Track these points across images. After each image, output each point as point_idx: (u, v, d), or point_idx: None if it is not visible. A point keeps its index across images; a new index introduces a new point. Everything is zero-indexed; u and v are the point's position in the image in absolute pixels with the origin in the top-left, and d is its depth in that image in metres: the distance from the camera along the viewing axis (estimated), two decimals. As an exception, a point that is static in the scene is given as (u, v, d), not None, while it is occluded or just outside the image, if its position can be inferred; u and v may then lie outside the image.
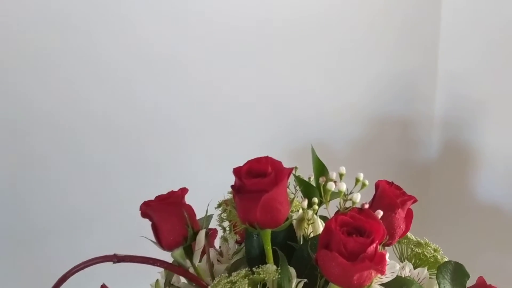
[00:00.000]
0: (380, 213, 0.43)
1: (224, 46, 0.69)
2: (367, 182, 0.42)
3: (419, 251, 0.54)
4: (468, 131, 0.76)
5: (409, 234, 0.56)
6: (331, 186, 0.41)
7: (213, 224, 0.53)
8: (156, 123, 0.67)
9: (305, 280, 0.42)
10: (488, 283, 0.73)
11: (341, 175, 0.43)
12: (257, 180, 0.40)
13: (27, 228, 0.67)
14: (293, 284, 0.40)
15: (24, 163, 0.65)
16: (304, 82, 0.72)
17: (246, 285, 0.38)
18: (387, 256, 0.42)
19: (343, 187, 0.41)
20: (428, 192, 0.80)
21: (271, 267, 0.40)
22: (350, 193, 0.43)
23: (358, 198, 0.40)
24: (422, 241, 0.55)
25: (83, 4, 0.62)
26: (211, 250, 0.50)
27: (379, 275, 0.43)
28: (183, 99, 0.67)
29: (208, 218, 0.48)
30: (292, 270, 0.42)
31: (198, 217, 0.48)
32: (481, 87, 0.75)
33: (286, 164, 0.40)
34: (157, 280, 0.51)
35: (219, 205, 0.49)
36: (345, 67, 0.72)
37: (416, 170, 0.80)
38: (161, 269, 0.52)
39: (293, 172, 0.48)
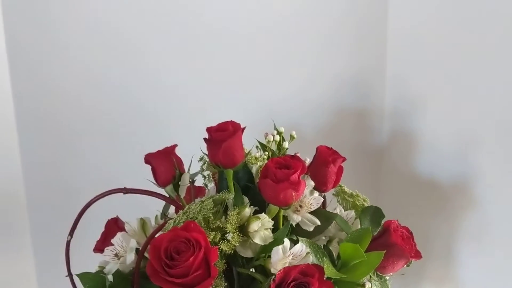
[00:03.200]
0: (307, 160, 0.60)
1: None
2: (295, 135, 0.60)
3: (351, 200, 0.70)
4: (412, 120, 0.88)
5: (345, 188, 0.72)
6: (270, 138, 0.59)
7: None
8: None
9: (257, 208, 0.59)
10: (423, 241, 0.88)
11: (280, 133, 0.60)
12: (220, 133, 0.58)
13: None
14: (247, 208, 0.57)
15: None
16: (278, 80, 0.88)
17: (211, 203, 0.55)
18: (308, 187, 0.58)
19: (277, 138, 0.58)
20: (380, 171, 0.92)
21: (229, 193, 0.57)
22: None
23: (287, 144, 0.58)
24: (354, 192, 0.70)
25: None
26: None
27: (309, 204, 0.60)
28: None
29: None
30: (245, 198, 0.58)
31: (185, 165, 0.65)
32: (421, 85, 0.87)
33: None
34: (156, 215, 0.68)
35: (201, 159, 0.66)
36: (310, 67, 0.87)
37: (370, 153, 0.93)
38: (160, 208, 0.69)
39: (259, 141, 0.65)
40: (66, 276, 0.64)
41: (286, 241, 0.51)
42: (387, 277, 0.61)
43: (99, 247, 0.63)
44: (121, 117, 0.82)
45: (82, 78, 0.80)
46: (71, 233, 0.63)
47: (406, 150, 0.90)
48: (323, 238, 0.63)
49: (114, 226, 0.64)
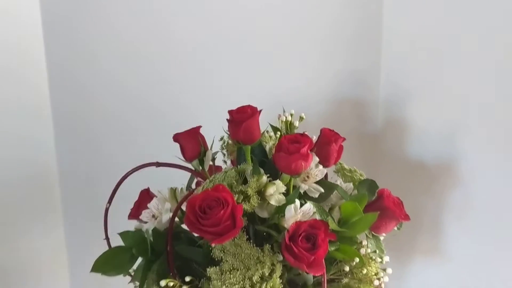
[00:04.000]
0: (314, 137, 0.71)
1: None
2: (304, 116, 0.70)
3: (350, 174, 0.81)
4: (404, 109, 0.96)
5: (345, 165, 0.83)
6: (283, 118, 0.69)
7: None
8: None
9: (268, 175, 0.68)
10: (413, 218, 0.97)
11: (291, 114, 0.70)
12: (240, 114, 0.68)
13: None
14: (264, 176, 0.66)
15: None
16: (287, 75, 0.98)
17: (233, 172, 0.66)
18: (314, 161, 0.68)
19: (289, 118, 0.69)
20: (375, 155, 1.00)
21: (248, 165, 0.68)
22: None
23: (297, 123, 0.68)
24: (352, 168, 0.81)
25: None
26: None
27: (314, 175, 0.70)
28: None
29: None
30: (261, 170, 0.69)
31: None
32: (412, 79, 0.95)
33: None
34: (181, 188, 0.78)
35: (221, 138, 0.77)
36: (314, 64, 0.96)
37: (366, 139, 1.00)
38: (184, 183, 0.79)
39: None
40: (104, 239, 0.74)
41: (297, 201, 0.61)
42: (381, 238, 0.71)
43: (134, 214, 0.73)
44: (156, 102, 0.95)
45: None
46: (110, 201, 0.72)
47: (398, 136, 0.99)
48: (326, 205, 0.74)
49: (147, 195, 0.74)
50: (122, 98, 0.95)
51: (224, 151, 0.76)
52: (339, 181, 0.76)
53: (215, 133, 0.75)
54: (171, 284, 0.57)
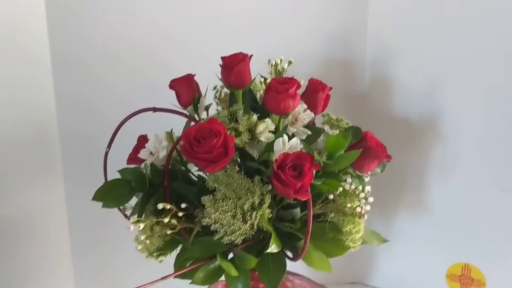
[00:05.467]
0: (302, 81, 0.75)
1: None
2: (293, 61, 0.74)
3: (337, 123, 0.85)
4: (389, 69, 1.00)
5: (331, 115, 0.87)
6: (273, 62, 0.73)
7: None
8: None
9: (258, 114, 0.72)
10: (399, 173, 1.02)
11: (280, 60, 0.75)
12: (232, 59, 0.72)
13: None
14: (254, 115, 0.70)
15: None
16: (275, 35, 1.01)
17: (226, 112, 0.70)
18: (302, 106, 0.72)
19: (278, 62, 0.73)
20: (362, 113, 1.04)
21: (240, 107, 0.72)
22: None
23: (286, 66, 0.73)
24: (339, 118, 0.85)
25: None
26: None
27: (302, 118, 0.74)
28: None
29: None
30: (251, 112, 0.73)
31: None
32: (397, 40, 0.99)
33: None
34: (177, 136, 0.82)
35: (214, 88, 0.81)
36: (304, 25, 1.00)
37: (353, 98, 1.04)
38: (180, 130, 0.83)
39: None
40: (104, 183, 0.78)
41: (285, 136, 0.66)
42: (365, 179, 0.76)
43: (132, 158, 0.77)
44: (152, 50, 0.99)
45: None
46: (109, 145, 0.76)
47: (384, 94, 1.04)
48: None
49: (144, 140, 0.78)
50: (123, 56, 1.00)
51: (217, 100, 0.80)
52: (326, 128, 0.81)
53: (210, 80, 0.79)
54: (168, 207, 0.61)
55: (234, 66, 0.70)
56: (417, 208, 1.04)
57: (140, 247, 0.62)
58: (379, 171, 0.77)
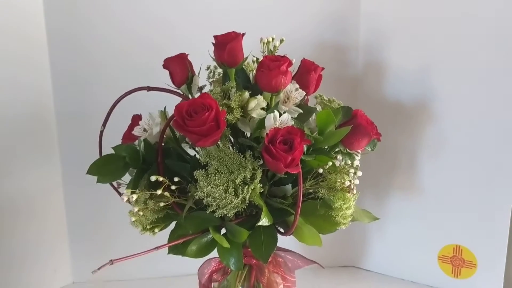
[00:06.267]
0: (293, 60, 0.76)
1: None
2: (284, 39, 0.75)
3: (329, 104, 0.86)
4: (382, 53, 1.01)
5: (324, 96, 0.88)
6: (265, 40, 0.74)
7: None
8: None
9: (250, 91, 0.73)
10: (392, 156, 1.03)
11: (272, 38, 0.76)
12: (225, 37, 0.73)
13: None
14: (246, 92, 0.71)
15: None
16: (269, 19, 1.02)
17: (218, 89, 0.71)
18: (294, 86, 0.73)
19: (270, 40, 0.74)
20: (355, 97, 1.05)
21: (232, 84, 0.73)
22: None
23: (278, 43, 0.74)
24: (331, 98, 0.86)
25: None
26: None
27: (294, 97, 0.75)
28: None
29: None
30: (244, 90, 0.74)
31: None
32: (390, 23, 1.00)
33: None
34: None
35: (208, 68, 0.82)
36: (294, 9, 1.01)
37: (346, 81, 1.05)
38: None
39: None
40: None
41: (276, 112, 0.67)
42: (356, 157, 0.77)
43: (127, 136, 0.78)
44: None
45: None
46: (104, 124, 0.76)
47: (377, 78, 1.05)
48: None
49: (138, 119, 0.79)
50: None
51: (210, 80, 0.81)
52: (318, 108, 0.82)
53: (203, 60, 0.79)
54: (161, 179, 0.62)
55: (226, 44, 0.71)
56: (408, 188, 1.06)
57: (133, 219, 0.63)
58: (370, 149, 0.78)
